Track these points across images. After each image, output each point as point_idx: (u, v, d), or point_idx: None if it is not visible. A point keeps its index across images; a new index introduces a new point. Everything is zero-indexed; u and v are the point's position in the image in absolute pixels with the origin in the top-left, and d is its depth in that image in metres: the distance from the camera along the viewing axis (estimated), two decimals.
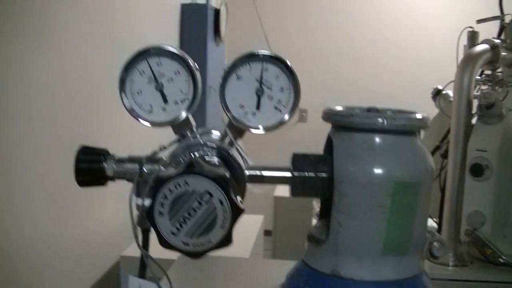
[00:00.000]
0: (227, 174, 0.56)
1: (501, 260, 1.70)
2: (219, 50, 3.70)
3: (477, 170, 1.72)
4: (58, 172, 1.78)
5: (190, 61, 0.65)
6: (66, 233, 1.92)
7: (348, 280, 0.63)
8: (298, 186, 0.66)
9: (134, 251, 2.16)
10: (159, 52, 0.64)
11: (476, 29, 1.89)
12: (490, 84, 1.86)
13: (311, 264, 0.67)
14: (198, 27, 3.24)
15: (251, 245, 2.20)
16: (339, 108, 0.67)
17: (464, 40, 1.89)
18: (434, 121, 2.07)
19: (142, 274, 0.67)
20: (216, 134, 0.69)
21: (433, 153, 1.94)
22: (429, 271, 1.68)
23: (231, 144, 0.66)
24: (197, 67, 0.66)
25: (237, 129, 0.66)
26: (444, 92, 2.09)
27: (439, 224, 1.87)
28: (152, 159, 0.66)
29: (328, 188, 0.64)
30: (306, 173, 0.65)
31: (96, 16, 2.11)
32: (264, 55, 0.65)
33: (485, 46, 1.78)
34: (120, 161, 0.67)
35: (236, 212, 0.55)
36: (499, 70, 1.86)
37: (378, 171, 0.62)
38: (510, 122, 1.77)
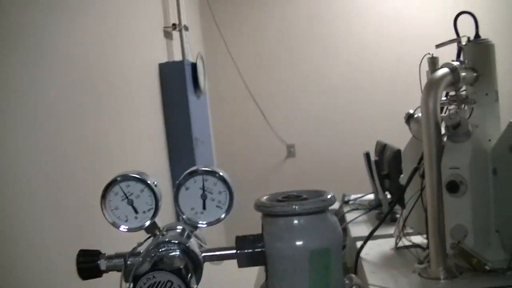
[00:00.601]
0: (181, 266, 0.87)
1: (487, 268, 1.95)
2: (201, 102, 4.02)
3: (453, 187, 1.96)
4: (57, 259, 2.07)
5: (150, 181, 0.96)
6: None
7: None
8: (242, 260, 0.97)
9: None
10: (127, 178, 0.96)
11: (436, 54, 2.17)
12: (455, 104, 2.12)
13: None
14: (177, 83, 3.54)
15: None
16: (264, 200, 0.97)
17: (426, 66, 2.18)
18: (410, 144, 2.34)
19: None
20: (179, 228, 1.00)
21: (412, 175, 2.21)
22: (422, 286, 1.99)
23: (189, 237, 0.97)
24: (156, 184, 0.97)
25: (191, 225, 0.97)
26: (415, 116, 2.36)
27: (427, 240, 2.13)
28: (133, 253, 0.97)
29: (264, 259, 0.95)
30: (245, 250, 0.96)
31: (85, 86, 2.42)
32: (202, 170, 0.96)
33: (445, 70, 2.04)
34: (109, 257, 0.99)
35: None
36: (463, 89, 2.13)
37: (297, 244, 0.92)
38: (478, 138, 2.02)
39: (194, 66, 3.83)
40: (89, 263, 0.98)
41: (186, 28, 4.05)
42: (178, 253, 0.93)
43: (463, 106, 2.11)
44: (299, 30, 5.51)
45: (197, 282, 0.92)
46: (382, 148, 3.09)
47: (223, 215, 0.96)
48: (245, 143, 5.45)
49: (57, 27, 2.22)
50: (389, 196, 3.08)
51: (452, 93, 2.13)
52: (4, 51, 1.82)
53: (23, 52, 1.94)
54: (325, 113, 5.45)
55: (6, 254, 1.75)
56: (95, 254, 0.99)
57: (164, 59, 3.74)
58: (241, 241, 0.97)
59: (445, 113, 2.14)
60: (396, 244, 2.36)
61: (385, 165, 2.98)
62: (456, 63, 2.04)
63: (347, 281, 0.99)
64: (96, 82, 2.57)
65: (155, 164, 3.36)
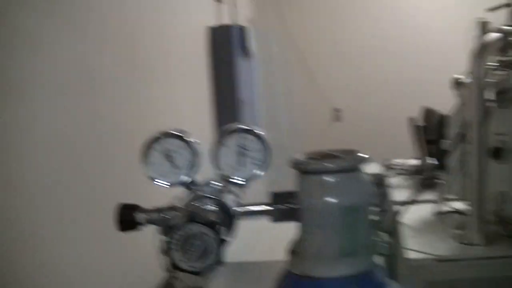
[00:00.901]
0: (216, 220, 0.94)
1: None
2: (249, 65, 4.06)
3: (498, 153, 1.99)
4: (98, 212, 2.18)
5: (190, 139, 1.02)
6: (110, 267, 2.29)
7: (315, 278, 1.00)
8: (277, 216, 1.03)
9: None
10: (167, 135, 1.02)
11: (487, 18, 2.16)
12: (504, 69, 2.12)
13: (291, 269, 1.04)
14: (225, 46, 3.60)
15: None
16: (299, 158, 1.02)
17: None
18: (457, 109, 2.34)
19: None
20: (215, 184, 1.06)
21: (457, 140, 2.23)
22: (460, 252, 2.03)
23: (225, 191, 1.03)
24: (196, 142, 1.03)
25: (228, 181, 1.03)
26: (463, 81, 2.36)
27: (469, 206, 2.16)
28: (170, 208, 1.04)
29: (298, 215, 1.01)
30: (281, 206, 1.02)
31: (129, 44, 2.50)
32: (241, 128, 1.01)
33: (495, 35, 2.05)
34: (147, 211, 1.06)
35: (222, 244, 0.93)
36: None
37: (330, 201, 0.97)
38: None
39: (243, 30, 3.87)
40: (128, 216, 1.05)
41: None
42: (213, 207, 0.99)
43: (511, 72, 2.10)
44: None
45: (231, 236, 0.98)
46: (428, 114, 3.10)
47: (259, 172, 1.02)
48: (292, 105, 5.50)
49: None
50: (433, 162, 3.09)
51: (501, 58, 2.13)
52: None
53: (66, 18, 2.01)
54: (372, 79, 5.47)
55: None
56: (134, 208, 1.06)
57: (213, 22, 3.79)
58: (276, 197, 1.03)
59: (492, 78, 2.14)
60: (438, 209, 2.39)
61: (431, 131, 2.99)
62: (506, 28, 2.04)
63: (377, 238, 1.04)
64: (147, 44, 2.64)
65: (199, 124, 3.44)
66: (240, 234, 0.98)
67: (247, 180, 1.03)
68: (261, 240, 2.55)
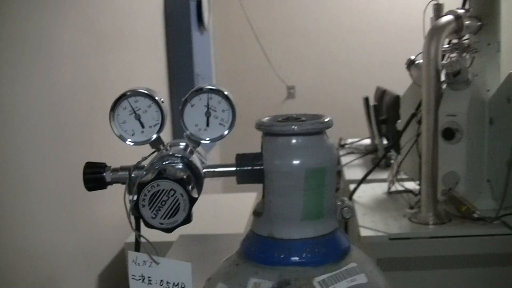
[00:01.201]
0: (183, 176, 0.96)
1: (476, 215, 2.06)
2: (204, 38, 4.11)
3: (449, 134, 2.05)
4: (64, 173, 2.21)
5: (157, 98, 1.04)
6: (73, 228, 2.34)
7: (279, 240, 1.03)
8: (241, 176, 1.06)
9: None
10: (135, 93, 1.04)
11: (441, 1, 2.23)
12: (457, 52, 2.20)
13: (255, 230, 1.07)
14: (181, 18, 3.62)
15: (245, 221, 2.62)
16: (265, 119, 1.06)
17: (430, 13, 2.25)
18: (410, 90, 2.42)
19: (137, 249, 1.08)
20: (182, 144, 1.08)
21: (409, 120, 2.30)
22: (411, 230, 2.10)
23: (192, 152, 1.06)
24: (163, 100, 1.05)
25: (194, 141, 1.06)
26: (416, 62, 2.44)
27: (420, 186, 2.23)
28: (137, 167, 1.06)
29: (262, 176, 1.04)
30: (245, 167, 1.05)
31: (85, 16, 2.49)
32: (208, 88, 1.04)
33: (449, 17, 2.12)
34: (115, 170, 1.07)
35: (192, 200, 0.96)
36: (466, 37, 2.20)
37: (294, 162, 1.01)
38: (476, 87, 2.11)
39: (199, 2, 3.90)
40: (95, 174, 1.06)
41: None
42: (181, 166, 1.01)
43: (464, 54, 2.18)
44: None
45: (198, 195, 1.01)
46: (381, 94, 3.18)
47: (225, 132, 1.05)
48: (246, 81, 5.56)
49: None
50: (385, 141, 3.18)
51: (454, 41, 2.20)
52: None
53: None
54: (327, 57, 5.56)
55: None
56: (101, 166, 1.07)
57: None
58: (241, 159, 1.06)
59: (446, 60, 2.22)
60: (389, 188, 2.46)
61: (383, 111, 3.07)
62: (461, 11, 2.11)
63: (339, 203, 1.08)
64: (100, 15, 2.63)
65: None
66: (195, 208, 1.00)
67: (214, 140, 1.05)
68: (214, 214, 2.60)
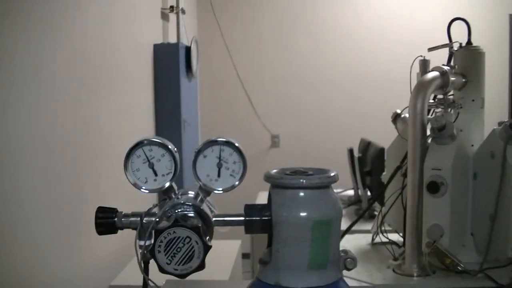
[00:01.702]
0: (200, 224, 1.03)
1: (460, 268, 2.12)
2: (192, 85, 4.22)
3: (434, 187, 2.12)
4: (54, 211, 2.25)
5: (171, 147, 1.11)
6: (61, 267, 2.36)
7: None
8: (249, 227, 1.13)
9: (122, 280, 2.60)
10: (150, 142, 1.11)
11: (428, 57, 2.34)
12: (442, 107, 2.29)
13: (262, 279, 1.13)
14: (170, 65, 3.73)
15: (230, 268, 2.68)
16: (273, 172, 1.13)
17: (417, 68, 2.35)
18: (395, 143, 2.50)
19: None
20: (191, 193, 1.15)
21: (394, 173, 2.38)
22: (396, 282, 2.15)
23: (202, 201, 1.12)
24: (176, 150, 1.12)
25: (205, 191, 1.13)
26: (402, 116, 2.53)
27: (404, 238, 2.29)
28: (149, 213, 1.12)
29: (270, 226, 1.11)
30: (253, 217, 1.12)
31: (77, 51, 2.56)
32: (221, 140, 1.11)
33: (435, 73, 2.21)
34: (126, 215, 1.13)
35: (206, 248, 1.03)
36: (451, 93, 2.30)
37: (302, 214, 1.08)
38: (461, 142, 2.19)
39: (188, 50, 4.00)
40: (107, 219, 1.12)
41: (183, 11, 4.21)
42: (193, 214, 1.08)
43: (449, 110, 2.27)
44: (293, 23, 5.77)
45: (210, 243, 1.07)
46: (366, 146, 3.26)
47: (236, 183, 1.12)
48: (231, 129, 5.64)
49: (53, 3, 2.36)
50: (369, 193, 3.25)
51: (440, 96, 2.29)
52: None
53: (26, 24, 2.07)
54: (312, 107, 5.69)
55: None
56: (113, 211, 1.14)
57: (159, 40, 3.90)
58: (250, 209, 1.13)
59: (431, 115, 2.31)
60: (373, 239, 2.52)
61: (368, 162, 3.15)
62: (446, 68, 2.20)
63: (342, 254, 1.15)
64: (92, 58, 2.70)
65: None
66: None
67: (226, 190, 1.12)
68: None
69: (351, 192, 3.59)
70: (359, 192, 3.32)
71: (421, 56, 2.33)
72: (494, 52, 5.21)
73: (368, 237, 2.60)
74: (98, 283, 2.76)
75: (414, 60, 2.33)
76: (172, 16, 4.24)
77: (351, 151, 3.45)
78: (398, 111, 2.54)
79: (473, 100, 2.26)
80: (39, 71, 2.19)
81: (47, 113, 2.25)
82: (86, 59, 2.66)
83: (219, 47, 5.62)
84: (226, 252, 2.70)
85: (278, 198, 1.11)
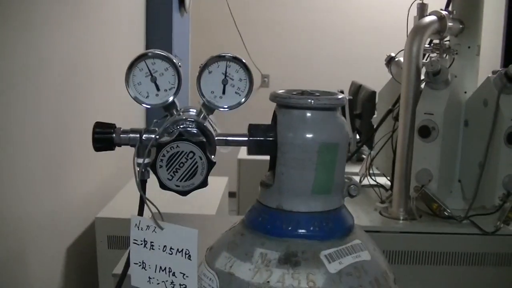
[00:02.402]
0: (204, 140, 0.97)
1: (446, 214, 2.12)
2: (184, 21, 4.12)
3: (425, 132, 2.10)
4: (40, 143, 2.19)
5: (175, 60, 1.05)
6: (45, 200, 2.31)
7: (288, 212, 1.05)
8: (253, 147, 1.07)
9: (108, 212, 2.56)
10: (154, 55, 1.04)
11: (425, 1, 2.29)
12: (438, 52, 2.25)
13: (263, 202, 1.09)
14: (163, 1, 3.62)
15: (217, 204, 2.65)
16: (280, 92, 1.08)
17: (415, 12, 2.30)
18: (388, 86, 2.47)
19: (140, 214, 1.09)
20: (193, 111, 1.09)
21: (385, 116, 2.35)
22: (381, 225, 2.14)
23: (205, 118, 1.07)
24: (180, 64, 1.06)
25: (209, 108, 1.07)
26: (396, 59, 2.49)
27: (392, 181, 2.28)
28: (148, 130, 1.06)
29: (274, 148, 1.05)
30: (257, 138, 1.07)
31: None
32: (228, 56, 1.05)
33: (432, 17, 2.17)
34: (125, 132, 1.07)
35: (210, 164, 0.97)
36: (447, 39, 2.26)
37: (308, 136, 1.03)
38: (455, 88, 2.16)
39: None
40: (105, 134, 1.06)
41: None
42: (195, 130, 1.02)
43: (445, 55, 2.24)
44: None
45: (214, 164, 1.01)
46: (357, 89, 3.22)
47: (242, 100, 1.06)
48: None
49: None
50: (358, 136, 3.23)
51: (436, 41, 2.25)
52: None
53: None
54: (304, 48, 5.64)
55: None
56: (112, 127, 1.07)
57: None
58: (254, 129, 1.08)
59: (426, 60, 2.27)
60: (361, 182, 2.50)
61: (358, 105, 3.12)
62: (444, 12, 2.16)
63: (346, 180, 1.11)
64: None
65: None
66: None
67: (231, 107, 1.07)
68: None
69: None
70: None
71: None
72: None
73: (356, 180, 2.58)
74: (85, 216, 2.72)
75: (412, 4, 2.29)
76: None
77: (341, 93, 3.40)
78: (393, 54, 2.51)
79: (469, 47, 2.24)
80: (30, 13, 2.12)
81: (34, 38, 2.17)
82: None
83: None
84: (213, 188, 2.66)
85: (284, 118, 1.05)
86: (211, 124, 1.09)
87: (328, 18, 5.65)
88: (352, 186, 1.12)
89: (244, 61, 1.06)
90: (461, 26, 2.20)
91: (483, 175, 2.10)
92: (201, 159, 0.97)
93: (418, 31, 2.13)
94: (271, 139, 1.06)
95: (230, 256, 1.05)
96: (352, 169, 2.73)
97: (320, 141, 1.03)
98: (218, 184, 2.90)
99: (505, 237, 2.09)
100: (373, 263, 1.07)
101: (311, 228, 1.05)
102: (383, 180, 2.49)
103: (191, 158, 0.97)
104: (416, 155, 2.12)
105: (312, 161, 1.03)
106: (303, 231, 1.04)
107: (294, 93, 1.08)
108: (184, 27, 4.20)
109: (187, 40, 4.51)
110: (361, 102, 3.01)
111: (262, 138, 1.06)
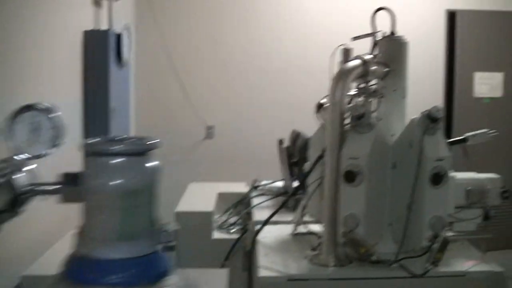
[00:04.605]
0: None
1: (373, 258, 2.08)
2: (123, 73, 4.17)
3: (350, 176, 2.08)
4: None
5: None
6: None
7: (96, 260, 1.06)
8: (66, 196, 1.09)
9: (35, 270, 2.53)
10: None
11: (356, 47, 2.30)
12: (364, 96, 2.25)
13: (76, 250, 1.10)
14: (100, 52, 3.67)
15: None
16: (88, 140, 1.10)
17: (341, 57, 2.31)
18: (318, 132, 2.46)
19: None
20: (8, 161, 1.11)
21: (315, 162, 2.33)
22: (309, 272, 2.11)
23: (16, 170, 1.09)
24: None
25: (20, 157, 1.09)
26: (325, 106, 2.48)
27: None
28: None
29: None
30: (70, 186, 1.08)
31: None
32: (36, 107, 1.08)
33: (356, 62, 2.17)
34: None
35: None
36: (373, 82, 2.25)
37: (109, 183, 1.04)
38: (380, 131, 2.15)
39: (119, 37, 3.96)
40: None
41: None
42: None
43: (370, 99, 2.22)
44: (229, 14, 5.72)
45: (17, 214, 1.03)
46: (295, 136, 3.22)
47: (46, 151, 1.08)
48: (166, 119, 5.58)
49: None
50: (294, 183, 3.20)
51: (361, 85, 2.25)
52: None
53: None
54: (247, 99, 5.64)
55: None
56: None
57: (90, 27, 3.83)
58: (67, 177, 1.09)
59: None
60: (294, 230, 2.48)
61: (296, 153, 3.11)
62: (368, 56, 2.16)
63: (161, 227, 1.11)
64: (18, 40, 2.66)
65: (70, 130, 3.45)
66: None
67: (36, 157, 1.09)
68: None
69: (281, 183, 3.54)
70: (287, 183, 3.27)
71: (342, 44, 2.30)
72: (430, 46, 5.29)
73: (290, 228, 2.56)
74: (10, 275, 2.67)
75: (336, 49, 2.30)
76: (105, 3, 4.15)
77: (280, 142, 3.40)
78: (322, 101, 2.50)
79: (394, 90, 2.23)
80: None
81: None
82: (12, 41, 2.61)
83: (155, 36, 5.55)
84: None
85: (88, 166, 1.07)
86: (27, 173, 1.11)
87: (268, 66, 5.62)
88: (164, 232, 1.12)
89: (52, 111, 1.08)
90: (385, 69, 2.19)
91: (410, 217, 2.06)
92: None
93: (341, 75, 2.12)
94: (81, 186, 1.08)
95: None
96: (289, 217, 2.70)
97: (122, 188, 1.04)
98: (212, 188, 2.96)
99: (434, 278, 2.04)
100: None
101: (119, 275, 1.05)
102: (318, 228, 2.46)
103: None
104: (343, 200, 2.09)
105: (115, 208, 1.04)
106: (111, 277, 1.05)
107: (104, 140, 1.10)
108: (123, 79, 4.25)
109: (128, 92, 4.53)
110: (298, 150, 3.00)
111: (73, 186, 1.08)
